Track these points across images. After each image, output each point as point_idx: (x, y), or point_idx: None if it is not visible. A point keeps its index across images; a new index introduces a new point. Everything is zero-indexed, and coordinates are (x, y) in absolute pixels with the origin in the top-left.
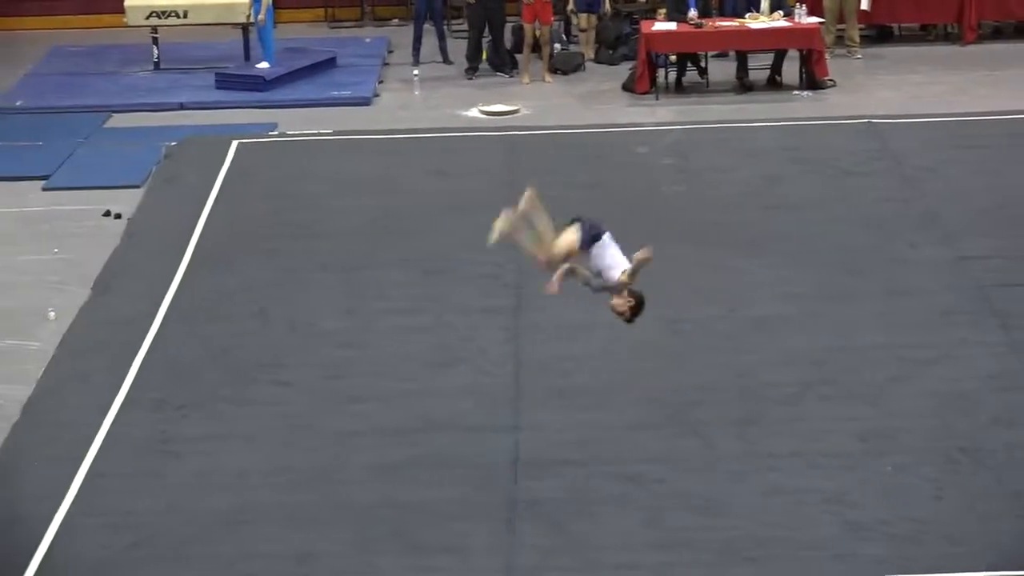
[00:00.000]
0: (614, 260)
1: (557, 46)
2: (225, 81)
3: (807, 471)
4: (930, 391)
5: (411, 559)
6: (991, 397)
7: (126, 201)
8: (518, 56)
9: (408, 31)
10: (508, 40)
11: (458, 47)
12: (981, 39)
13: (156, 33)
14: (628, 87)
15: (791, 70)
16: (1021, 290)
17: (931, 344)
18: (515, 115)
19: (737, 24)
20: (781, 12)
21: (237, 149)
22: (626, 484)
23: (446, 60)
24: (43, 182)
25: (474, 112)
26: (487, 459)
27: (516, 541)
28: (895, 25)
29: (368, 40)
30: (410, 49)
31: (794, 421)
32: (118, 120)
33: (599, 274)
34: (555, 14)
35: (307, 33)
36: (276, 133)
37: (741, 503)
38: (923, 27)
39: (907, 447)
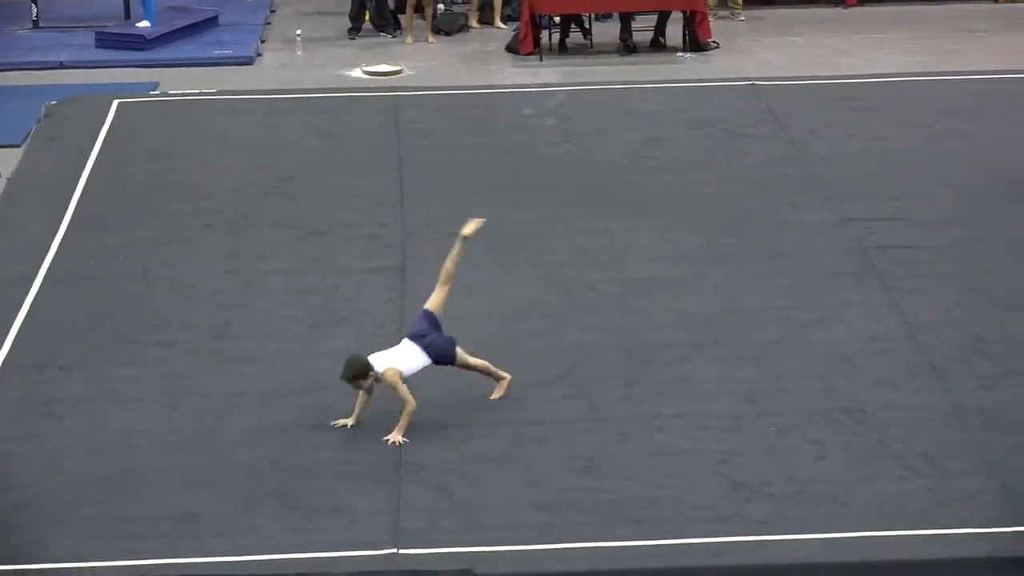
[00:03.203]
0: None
1: (440, 7)
2: (105, 40)
3: (693, 432)
4: (813, 352)
5: (296, 520)
6: (873, 358)
7: (5, 161)
8: (401, 17)
9: None
10: (391, 1)
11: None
12: (863, 2)
13: None
14: (512, 48)
15: (674, 32)
16: (903, 252)
17: (814, 306)
18: (399, 76)
19: None
20: None
21: (118, 109)
22: (510, 445)
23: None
24: None
25: (357, 72)
26: (371, 421)
27: (401, 503)
28: None
29: None
30: (293, 9)
31: (680, 382)
32: None
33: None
34: None
35: None
36: (157, 92)
37: (626, 464)
38: None
39: (790, 408)
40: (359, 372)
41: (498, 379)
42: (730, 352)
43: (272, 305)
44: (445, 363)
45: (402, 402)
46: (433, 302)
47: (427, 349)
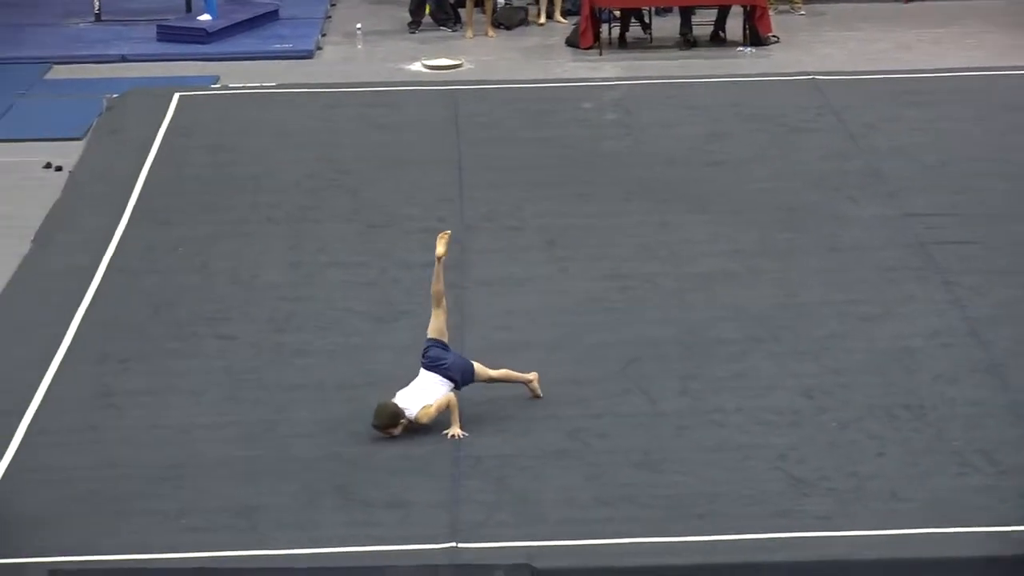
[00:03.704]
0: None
1: (500, 0)
2: (167, 33)
3: (752, 427)
4: (873, 348)
5: (355, 514)
6: (933, 354)
7: (67, 153)
8: (461, 11)
9: None
10: None
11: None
12: None
13: None
14: (572, 42)
15: (735, 26)
16: (964, 247)
17: (874, 301)
18: (458, 69)
19: None
20: None
21: (179, 102)
22: (568, 439)
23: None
24: None
25: (417, 66)
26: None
27: (459, 497)
28: None
29: None
30: (353, 3)
31: (739, 377)
32: (59, 72)
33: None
34: None
35: None
36: (218, 86)
37: (685, 459)
38: None
39: (850, 403)
40: (391, 420)
41: (526, 382)
42: (789, 347)
43: (332, 298)
44: (469, 381)
45: (447, 410)
46: (434, 328)
47: (448, 372)
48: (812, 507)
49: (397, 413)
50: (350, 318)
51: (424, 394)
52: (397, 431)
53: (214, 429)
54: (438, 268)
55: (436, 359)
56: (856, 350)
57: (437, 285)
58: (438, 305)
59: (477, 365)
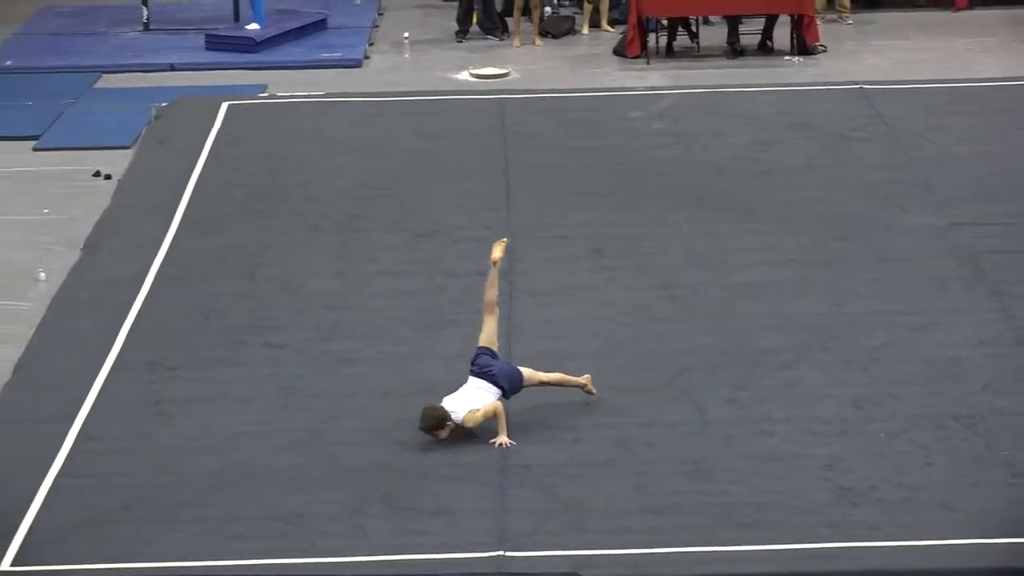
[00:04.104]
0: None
1: (548, 9)
2: (215, 42)
3: (800, 436)
4: (922, 357)
5: (402, 522)
6: (982, 364)
7: (116, 162)
8: (508, 20)
9: None
10: (498, 3)
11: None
12: (972, 5)
13: None
14: (619, 51)
15: (782, 35)
16: (1013, 257)
17: (923, 310)
18: (505, 78)
19: None
20: None
21: (227, 110)
22: (616, 448)
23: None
24: (33, 142)
25: (464, 75)
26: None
27: (507, 505)
28: None
29: (359, 2)
30: (401, 11)
31: (787, 387)
32: (108, 81)
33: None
34: None
35: None
36: (266, 95)
37: (734, 468)
38: None
39: (899, 413)
40: (437, 423)
41: (582, 386)
42: (837, 356)
43: (380, 306)
44: (517, 389)
45: (494, 418)
46: (486, 337)
47: (496, 379)
48: (861, 517)
49: (443, 416)
50: (397, 327)
51: (471, 399)
52: (443, 434)
53: (262, 437)
54: (493, 273)
55: (484, 366)
56: (905, 360)
57: (491, 291)
58: (491, 312)
59: (526, 370)
